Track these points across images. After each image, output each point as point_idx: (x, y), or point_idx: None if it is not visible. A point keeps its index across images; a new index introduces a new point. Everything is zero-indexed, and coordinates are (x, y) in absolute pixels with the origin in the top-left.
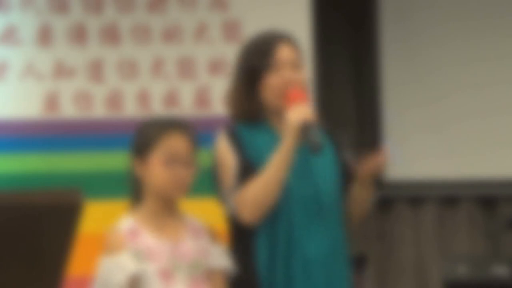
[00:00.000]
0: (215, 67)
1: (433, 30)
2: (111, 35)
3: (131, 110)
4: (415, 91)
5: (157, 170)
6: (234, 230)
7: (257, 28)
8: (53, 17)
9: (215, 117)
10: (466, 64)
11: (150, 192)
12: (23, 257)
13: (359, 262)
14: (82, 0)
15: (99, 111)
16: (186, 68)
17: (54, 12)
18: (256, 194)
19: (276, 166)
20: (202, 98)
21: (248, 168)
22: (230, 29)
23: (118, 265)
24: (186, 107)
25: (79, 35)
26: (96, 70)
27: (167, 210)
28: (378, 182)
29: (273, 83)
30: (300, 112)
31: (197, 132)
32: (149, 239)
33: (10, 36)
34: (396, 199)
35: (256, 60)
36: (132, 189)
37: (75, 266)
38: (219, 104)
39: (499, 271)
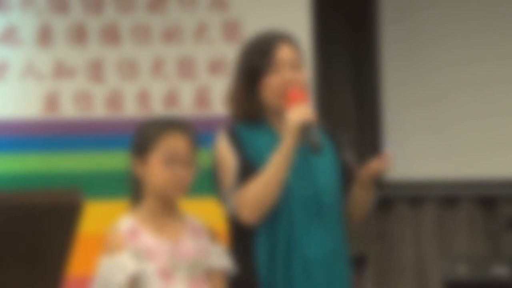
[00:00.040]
0: (215, 67)
1: (433, 30)
2: (111, 35)
3: (131, 110)
4: (415, 91)
5: (157, 170)
6: (234, 230)
7: (257, 28)
8: (53, 17)
9: (215, 117)
10: (466, 64)
11: (150, 192)
12: (23, 257)
13: (359, 262)
14: (82, 0)
15: (99, 111)
16: (186, 68)
17: (54, 12)
18: (256, 194)
19: (276, 166)
20: (202, 98)
21: (248, 168)
22: (230, 29)
23: (118, 265)
24: (186, 107)
25: (79, 35)
26: (96, 70)
27: (167, 210)
28: (378, 182)
29: (273, 83)
30: (300, 112)
31: (197, 132)
32: (149, 239)
33: (10, 36)
34: (396, 199)
35: (256, 60)
36: (132, 189)
37: (75, 266)
38: (219, 104)
39: (499, 271)
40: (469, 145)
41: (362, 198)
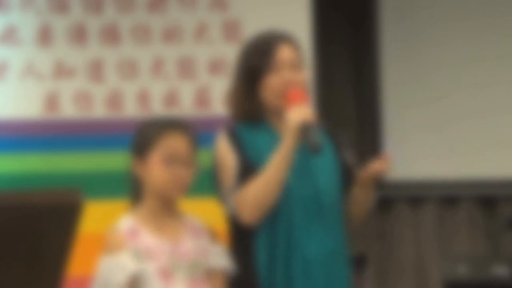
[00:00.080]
0: (215, 67)
1: (433, 30)
2: (111, 35)
3: (131, 110)
4: (415, 91)
5: (157, 170)
6: (234, 230)
7: (257, 28)
8: (53, 17)
9: (215, 117)
10: (466, 64)
11: (150, 192)
12: (23, 257)
13: (359, 262)
14: (82, 0)
15: (99, 111)
16: (186, 68)
17: (54, 12)
18: (256, 194)
19: (276, 166)
20: (202, 98)
21: (248, 168)
22: (230, 29)
23: (118, 264)
24: (186, 107)
25: (79, 35)
26: (96, 70)
27: (166, 210)
28: (379, 183)
29: (273, 83)
30: (300, 112)
31: (197, 132)
32: (148, 239)
33: (10, 36)
34: (396, 199)
35: (256, 60)
36: (132, 189)
37: (75, 266)
38: (219, 104)
39: (499, 271)
40: (469, 145)
41: (362, 198)
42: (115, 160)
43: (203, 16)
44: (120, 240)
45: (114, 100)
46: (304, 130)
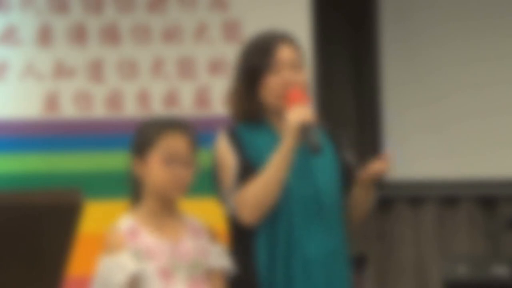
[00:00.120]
0: (215, 67)
1: (433, 30)
2: (111, 35)
3: (131, 110)
4: (415, 91)
5: (157, 170)
6: (234, 230)
7: (257, 28)
8: (53, 17)
9: (215, 117)
10: (466, 64)
11: (150, 192)
12: (23, 257)
13: (359, 262)
14: (82, 0)
15: (99, 111)
16: (186, 68)
17: (54, 12)
18: (256, 194)
19: (276, 166)
20: (202, 98)
21: (248, 168)
22: (230, 29)
23: (118, 264)
24: (186, 107)
25: (79, 35)
26: (96, 70)
27: (166, 210)
28: (379, 183)
29: (273, 84)
30: (300, 112)
31: (197, 132)
32: (148, 239)
33: (10, 36)
34: (396, 199)
35: (256, 60)
36: (132, 189)
37: (75, 266)
38: (219, 104)
39: (499, 271)
40: (469, 145)
41: (362, 198)
42: (115, 160)
43: (203, 16)
44: (120, 240)
45: (114, 100)
46: (304, 130)
